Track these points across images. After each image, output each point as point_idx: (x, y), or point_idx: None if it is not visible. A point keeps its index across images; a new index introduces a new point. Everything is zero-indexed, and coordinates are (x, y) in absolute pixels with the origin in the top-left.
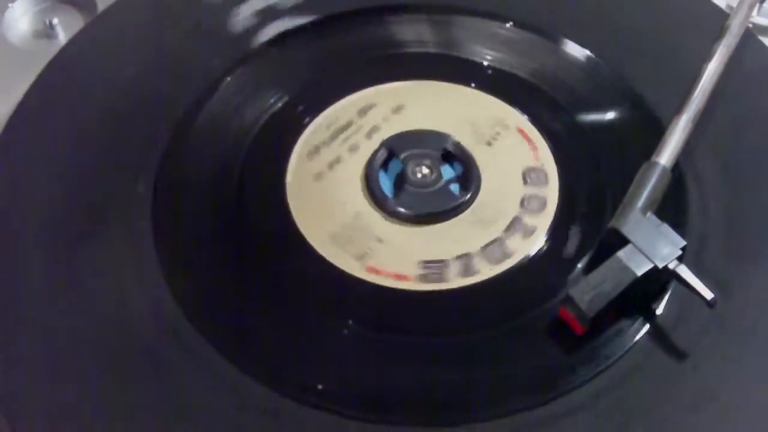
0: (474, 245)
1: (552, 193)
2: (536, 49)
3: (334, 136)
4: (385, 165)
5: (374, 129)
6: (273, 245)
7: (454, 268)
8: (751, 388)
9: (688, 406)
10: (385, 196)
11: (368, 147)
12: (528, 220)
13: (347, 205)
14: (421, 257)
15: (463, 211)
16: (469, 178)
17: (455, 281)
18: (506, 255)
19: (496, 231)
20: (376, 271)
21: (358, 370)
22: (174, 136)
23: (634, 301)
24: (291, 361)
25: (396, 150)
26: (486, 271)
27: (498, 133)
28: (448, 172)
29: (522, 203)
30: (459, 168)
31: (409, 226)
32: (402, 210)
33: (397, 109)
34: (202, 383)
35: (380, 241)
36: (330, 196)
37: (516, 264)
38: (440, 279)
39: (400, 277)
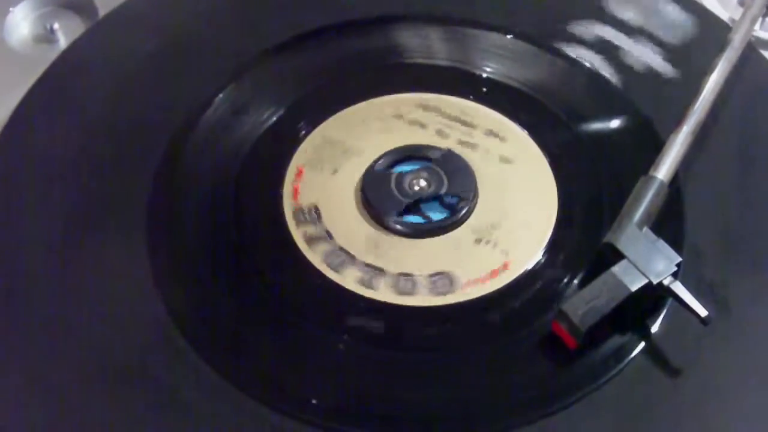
0: (357, 253)
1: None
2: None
3: (450, 117)
4: (420, 159)
5: (472, 146)
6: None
7: (319, 252)
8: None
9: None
10: (376, 165)
11: (443, 143)
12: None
13: (363, 141)
14: (315, 202)
15: (376, 225)
16: (423, 229)
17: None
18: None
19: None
20: (295, 191)
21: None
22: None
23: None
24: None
25: (437, 160)
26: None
27: (494, 247)
28: (438, 211)
29: (399, 274)
30: (440, 218)
31: (349, 195)
32: (364, 183)
33: (506, 160)
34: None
35: (334, 172)
36: (369, 127)
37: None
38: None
39: (298, 208)
